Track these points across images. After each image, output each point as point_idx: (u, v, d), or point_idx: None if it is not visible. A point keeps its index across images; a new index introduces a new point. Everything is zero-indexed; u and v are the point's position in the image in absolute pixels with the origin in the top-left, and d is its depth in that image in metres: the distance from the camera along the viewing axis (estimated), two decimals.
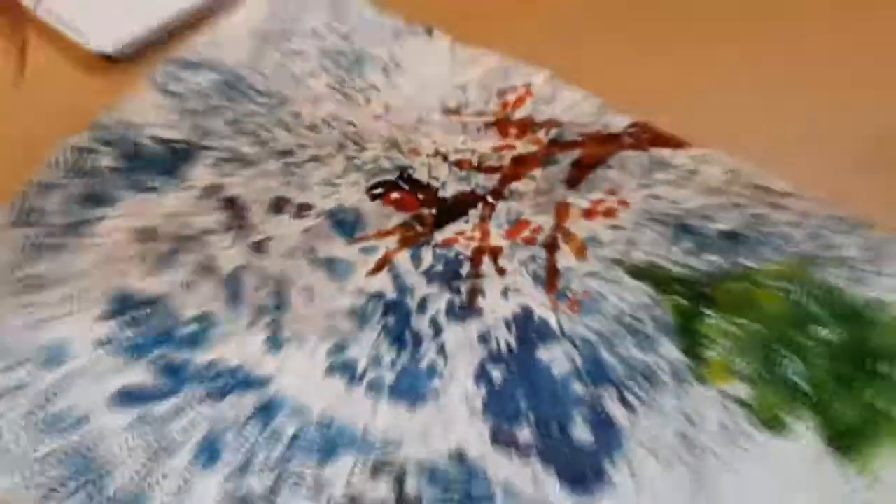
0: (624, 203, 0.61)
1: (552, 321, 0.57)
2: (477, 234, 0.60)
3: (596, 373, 0.56)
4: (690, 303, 0.58)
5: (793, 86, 0.66)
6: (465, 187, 0.62)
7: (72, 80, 0.66)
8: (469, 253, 0.60)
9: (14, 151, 0.61)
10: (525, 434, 0.54)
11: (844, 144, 0.64)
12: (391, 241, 0.60)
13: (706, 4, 0.70)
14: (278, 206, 0.61)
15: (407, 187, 0.62)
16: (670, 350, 0.56)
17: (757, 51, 0.67)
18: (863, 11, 0.69)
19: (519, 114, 0.64)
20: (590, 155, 0.62)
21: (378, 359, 0.57)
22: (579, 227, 0.60)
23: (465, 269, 0.59)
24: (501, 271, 0.59)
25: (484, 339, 0.57)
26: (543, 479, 0.53)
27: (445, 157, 0.63)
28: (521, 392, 0.56)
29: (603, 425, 0.54)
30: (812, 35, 0.68)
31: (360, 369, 0.56)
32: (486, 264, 0.59)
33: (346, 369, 0.56)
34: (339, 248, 0.60)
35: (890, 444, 0.53)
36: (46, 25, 0.68)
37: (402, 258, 0.60)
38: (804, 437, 0.54)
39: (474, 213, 0.61)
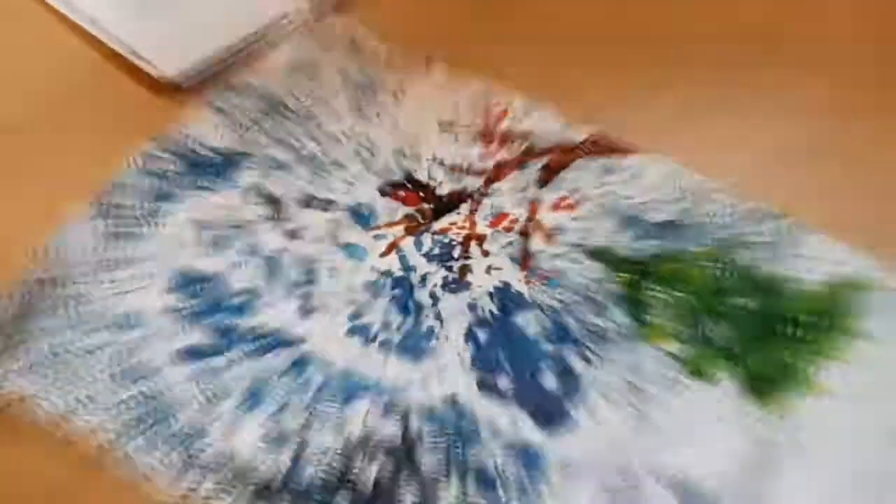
0: (583, 199, 0.62)
1: (526, 293, 0.59)
2: (466, 224, 0.62)
3: (560, 333, 0.58)
4: (635, 278, 0.59)
5: (720, 100, 0.67)
6: (457, 187, 0.63)
7: (142, 100, 0.67)
8: (460, 239, 0.61)
9: (95, 158, 0.62)
10: (504, 382, 0.56)
11: (761, 149, 0.65)
12: (398, 230, 0.62)
13: (651, 37, 0.71)
14: (308, 201, 0.62)
15: (410, 187, 0.63)
16: (619, 315, 0.58)
17: (694, 71, 0.69)
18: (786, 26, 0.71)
19: (500, 128, 0.65)
20: (556, 161, 0.64)
21: (388, 323, 0.58)
22: (548, 218, 0.62)
23: (457, 251, 0.61)
24: (486, 253, 0.61)
25: (472, 307, 0.59)
26: (519, 419, 0.55)
27: (441, 163, 0.64)
28: (501, 349, 0.58)
29: (566, 375, 0.56)
30: (734, 56, 0.70)
31: (373, 331, 0.58)
32: (474, 248, 0.61)
33: (362, 331, 0.58)
34: (356, 235, 0.61)
35: (795, 390, 0.55)
36: (120, 54, 0.69)
37: (407, 243, 0.61)
38: (724, 383, 0.56)
39: (464, 208, 0.63)
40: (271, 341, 0.58)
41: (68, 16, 0.72)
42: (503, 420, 0.56)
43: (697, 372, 0.57)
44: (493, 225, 0.62)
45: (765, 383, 0.56)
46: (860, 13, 0.72)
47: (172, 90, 0.67)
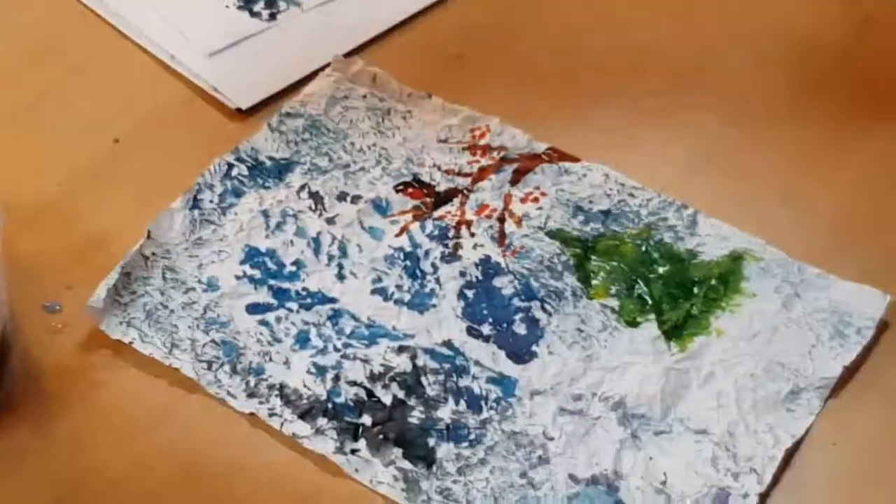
0: (544, 194, 0.61)
1: (502, 263, 0.58)
2: (458, 213, 0.61)
3: (527, 293, 0.57)
4: (583, 252, 0.59)
5: (645, 123, 0.66)
6: (451, 185, 0.62)
7: (220, 121, 0.66)
8: (453, 224, 0.60)
9: (186, 165, 0.61)
10: (487, 329, 0.56)
11: (675, 156, 0.64)
12: (408, 217, 0.61)
13: (595, 78, 0.69)
14: (341, 196, 0.61)
15: (417, 185, 0.62)
16: (571, 279, 0.57)
17: (623, 101, 0.67)
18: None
19: (482, 142, 0.64)
20: (524, 166, 0.63)
21: (401, 285, 0.57)
22: (518, 208, 0.61)
23: (451, 233, 0.60)
24: (472, 234, 0.60)
25: (462, 273, 0.58)
26: (497, 356, 0.55)
27: (439, 168, 0.63)
28: (484, 304, 0.57)
29: (532, 323, 0.56)
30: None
31: (390, 292, 0.57)
32: (463, 230, 0.60)
33: (382, 291, 0.57)
34: (377, 221, 0.60)
35: (697, 333, 0.55)
36: (201, 88, 0.67)
37: (415, 227, 0.60)
38: (649, 329, 0.55)
39: (457, 201, 0.61)
40: (315, 299, 0.57)
41: (156, 54, 0.70)
42: (486, 357, 0.55)
43: (629, 321, 0.56)
44: (477, 213, 0.61)
45: (678, 329, 0.56)
46: (769, 46, 0.71)
47: (243, 116, 0.66)
